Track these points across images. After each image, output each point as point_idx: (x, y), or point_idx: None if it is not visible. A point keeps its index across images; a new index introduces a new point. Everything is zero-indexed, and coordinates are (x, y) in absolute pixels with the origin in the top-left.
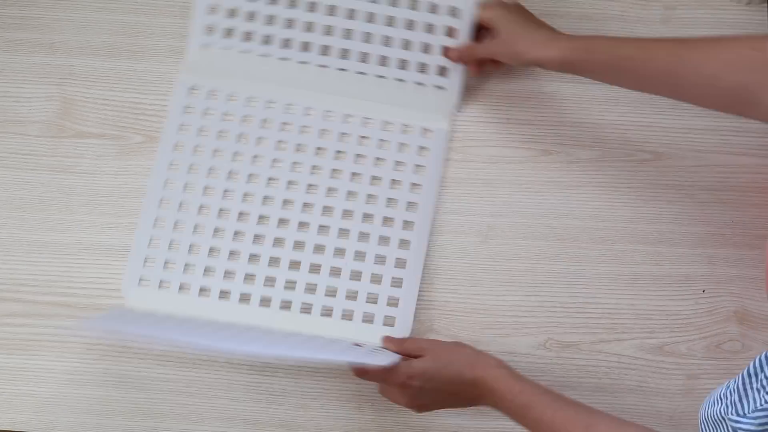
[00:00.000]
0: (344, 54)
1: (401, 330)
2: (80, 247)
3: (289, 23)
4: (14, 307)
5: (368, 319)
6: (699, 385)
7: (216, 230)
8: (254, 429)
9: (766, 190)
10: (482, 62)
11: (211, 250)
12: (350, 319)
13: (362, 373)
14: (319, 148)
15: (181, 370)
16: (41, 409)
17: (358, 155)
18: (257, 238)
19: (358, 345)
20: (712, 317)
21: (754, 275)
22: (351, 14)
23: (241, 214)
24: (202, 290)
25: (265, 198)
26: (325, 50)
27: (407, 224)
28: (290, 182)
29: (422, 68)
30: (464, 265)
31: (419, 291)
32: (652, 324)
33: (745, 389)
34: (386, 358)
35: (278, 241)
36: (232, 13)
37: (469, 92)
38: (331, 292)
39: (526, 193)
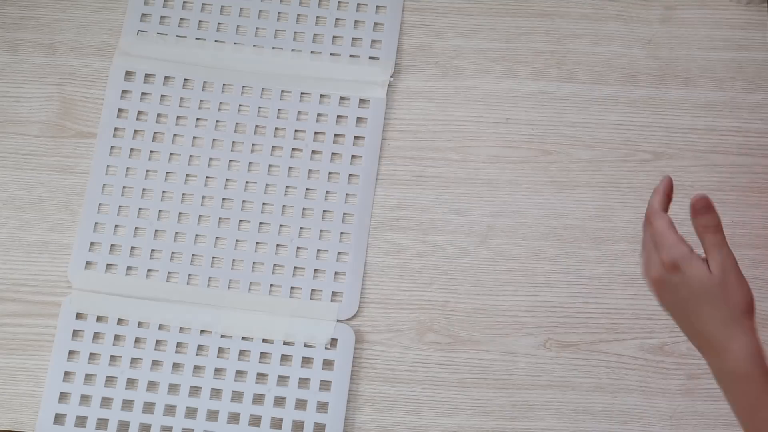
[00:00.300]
0: (278, 34)
1: (350, 303)
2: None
3: (223, 9)
4: (14, 307)
5: (316, 296)
6: (699, 385)
7: (160, 212)
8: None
9: (766, 190)
10: None
11: (157, 232)
12: (298, 296)
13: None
14: (258, 126)
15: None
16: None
17: (297, 131)
18: (201, 218)
19: None
20: None
21: (755, 275)
22: None
23: (184, 195)
24: (150, 272)
25: (208, 178)
26: (259, 31)
27: (350, 197)
28: (231, 161)
29: (355, 42)
30: (464, 265)
31: (416, 291)
32: (652, 324)
33: None
34: None
35: (223, 221)
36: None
37: (468, 92)
38: (279, 270)
39: (526, 193)
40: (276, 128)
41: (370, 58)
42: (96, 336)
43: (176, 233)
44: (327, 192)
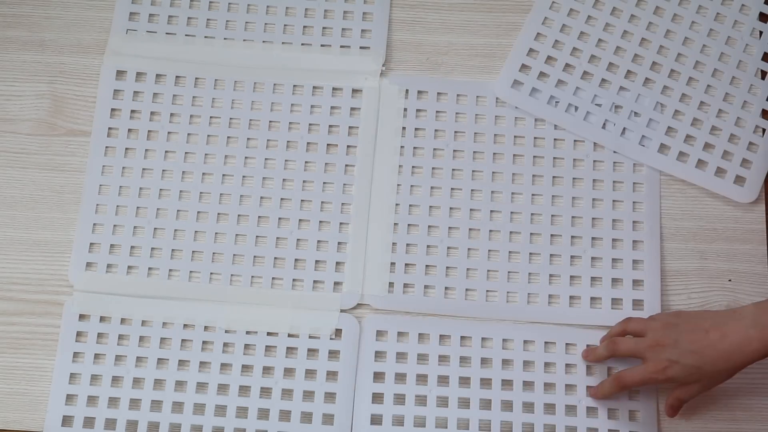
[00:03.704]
0: (268, 28)
1: (352, 293)
2: (71, 246)
3: (211, 5)
4: (6, 305)
5: (318, 287)
6: None
7: (158, 211)
8: None
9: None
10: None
11: (156, 230)
12: (300, 288)
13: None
14: (252, 120)
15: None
16: (33, 408)
17: (292, 123)
18: (200, 215)
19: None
20: None
21: (746, 269)
22: None
23: (181, 192)
24: (151, 270)
25: (204, 174)
26: (248, 26)
27: (347, 187)
28: (227, 157)
29: (345, 33)
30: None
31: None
32: None
33: None
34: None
35: (222, 216)
36: None
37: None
38: (279, 263)
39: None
40: (270, 121)
41: (360, 48)
42: (100, 336)
43: (175, 230)
44: (324, 183)
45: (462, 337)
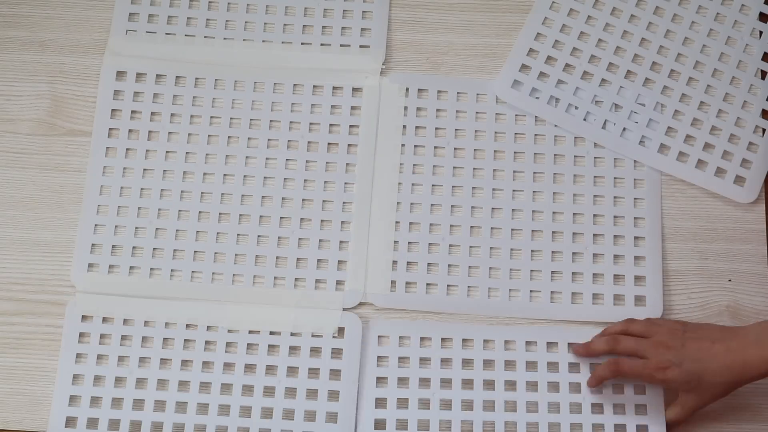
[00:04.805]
0: (267, 27)
1: (354, 292)
2: (72, 246)
3: (211, 5)
4: (6, 305)
5: (321, 285)
6: None
7: (160, 211)
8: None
9: None
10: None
11: (157, 230)
12: (303, 286)
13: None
14: (252, 120)
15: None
16: (33, 408)
17: (292, 122)
18: (201, 215)
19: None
20: (704, 312)
21: (746, 269)
22: None
23: (183, 192)
24: (153, 270)
25: (205, 174)
26: (248, 25)
27: (348, 186)
28: (228, 156)
29: (344, 31)
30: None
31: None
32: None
33: None
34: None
35: (223, 216)
36: None
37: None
38: (281, 262)
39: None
40: (271, 121)
41: (360, 46)
42: (103, 337)
43: (177, 231)
44: (325, 182)
45: (464, 340)
